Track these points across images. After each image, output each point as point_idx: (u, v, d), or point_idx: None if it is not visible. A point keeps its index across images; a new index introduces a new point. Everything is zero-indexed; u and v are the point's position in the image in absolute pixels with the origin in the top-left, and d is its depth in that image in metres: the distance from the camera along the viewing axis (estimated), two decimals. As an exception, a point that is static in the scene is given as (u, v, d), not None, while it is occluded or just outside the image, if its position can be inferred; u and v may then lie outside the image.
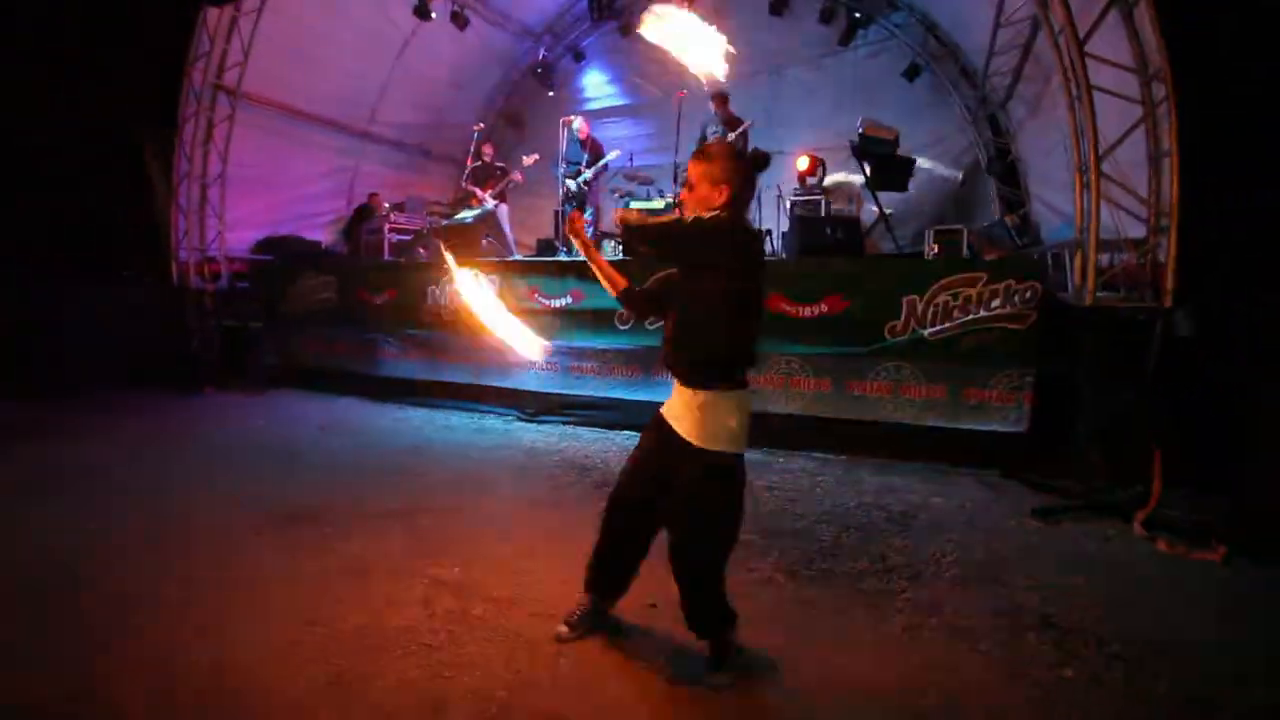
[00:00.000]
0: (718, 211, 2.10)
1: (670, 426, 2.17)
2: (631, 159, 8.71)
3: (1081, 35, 3.57)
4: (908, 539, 3.47)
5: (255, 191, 8.46)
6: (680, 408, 2.15)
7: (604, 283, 2.44)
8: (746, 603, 2.69)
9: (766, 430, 5.45)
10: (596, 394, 6.26)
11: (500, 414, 6.52)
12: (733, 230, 2.09)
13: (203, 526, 3.54)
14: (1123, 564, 3.21)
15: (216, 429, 5.93)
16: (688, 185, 2.17)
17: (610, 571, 2.45)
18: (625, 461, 2.39)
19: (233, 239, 8.30)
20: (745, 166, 2.15)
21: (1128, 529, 3.59)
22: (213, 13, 7.01)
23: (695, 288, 2.09)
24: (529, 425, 6.18)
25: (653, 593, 2.58)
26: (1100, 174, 3.64)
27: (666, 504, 2.18)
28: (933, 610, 2.71)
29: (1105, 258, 4.45)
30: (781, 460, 5.04)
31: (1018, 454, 4.54)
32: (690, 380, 2.12)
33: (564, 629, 2.46)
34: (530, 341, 2.95)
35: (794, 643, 2.45)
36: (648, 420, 2.33)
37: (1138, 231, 3.78)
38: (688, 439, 2.10)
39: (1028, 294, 4.51)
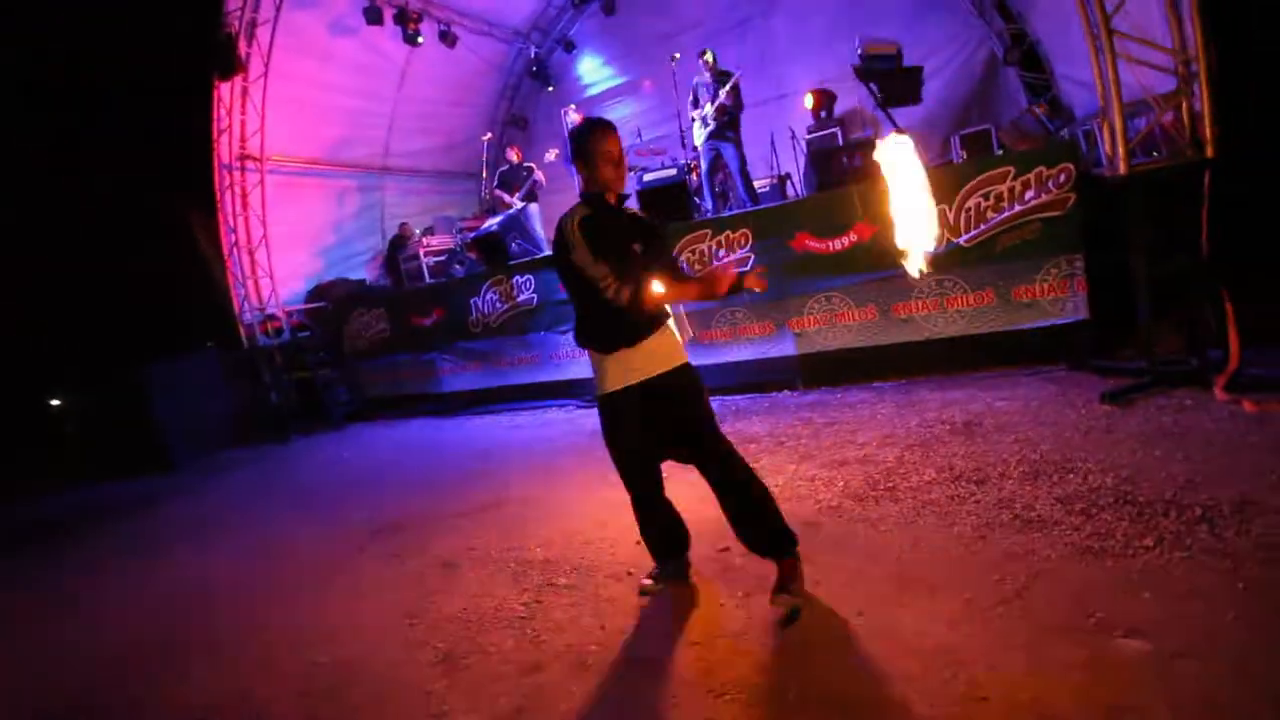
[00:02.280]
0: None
1: (653, 377, 2.33)
2: (640, 134, 8.71)
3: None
4: (973, 446, 3.43)
5: (296, 245, 8.98)
6: (662, 349, 2.36)
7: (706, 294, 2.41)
8: (813, 530, 2.78)
9: (818, 370, 5.45)
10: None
11: (560, 405, 6.74)
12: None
13: (307, 551, 3.88)
14: (1204, 431, 3.08)
15: (306, 468, 6.40)
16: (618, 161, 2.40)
17: (658, 536, 2.59)
18: (614, 451, 2.49)
19: (285, 293, 8.84)
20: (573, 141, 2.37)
21: (1208, 396, 3.43)
22: (224, 87, 7.43)
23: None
24: (589, 411, 6.36)
25: (721, 537, 2.68)
26: (1112, 31, 3.43)
27: (688, 441, 2.36)
28: (1003, 507, 2.69)
29: (1141, 123, 4.20)
30: (839, 396, 5.03)
31: (1081, 344, 4.37)
32: (655, 326, 2.37)
33: (647, 581, 2.61)
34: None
35: (864, 561, 2.50)
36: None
37: (1167, 87, 3.55)
38: (682, 362, 2.39)
39: (1061, 178, 4.32)
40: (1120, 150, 3.45)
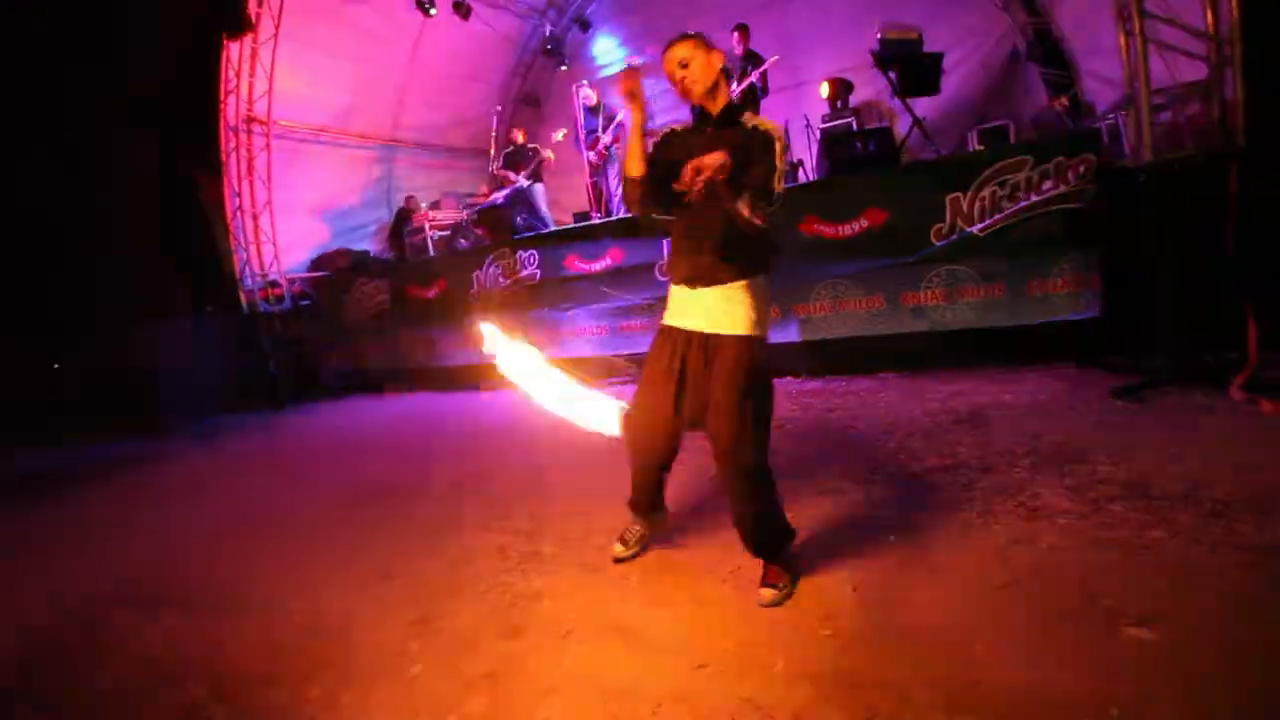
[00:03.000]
0: (723, 99, 2.12)
1: (690, 333, 2.15)
2: (654, 117, 8.58)
3: None
4: (978, 435, 3.33)
5: (302, 212, 8.89)
6: (720, 305, 2.09)
7: (631, 158, 2.13)
8: (809, 510, 2.69)
9: (822, 357, 5.34)
10: (647, 350, 6.29)
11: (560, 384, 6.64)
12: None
13: (291, 513, 3.79)
14: (1219, 431, 2.97)
15: (301, 437, 6.33)
16: (681, 64, 2.10)
17: (647, 490, 2.46)
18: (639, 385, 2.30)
19: (289, 260, 8.76)
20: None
21: (1223, 397, 3.32)
22: (234, 49, 7.33)
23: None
24: (589, 392, 6.27)
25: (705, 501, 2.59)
26: (1144, 14, 3.31)
27: (710, 407, 2.09)
28: (1008, 494, 2.60)
29: (1167, 116, 4.07)
30: (842, 385, 4.93)
31: (1092, 340, 4.26)
32: (737, 275, 2.08)
33: (619, 548, 2.53)
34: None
35: (863, 542, 2.41)
36: None
37: (1197, 74, 3.43)
38: (734, 332, 2.07)
39: (1081, 168, 4.19)
40: (1145, 136, 3.33)
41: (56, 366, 7.22)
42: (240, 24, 6.98)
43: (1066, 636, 1.71)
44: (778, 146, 2.01)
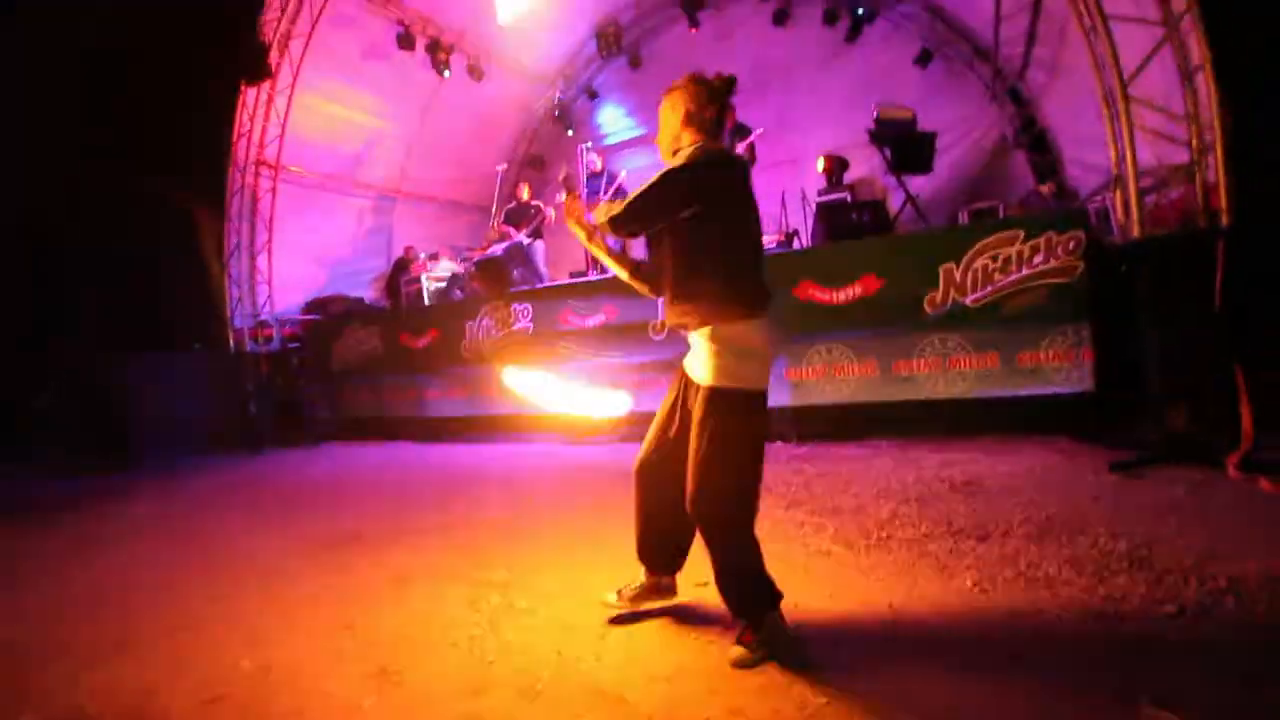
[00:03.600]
0: (685, 148, 2.07)
1: (688, 378, 2.12)
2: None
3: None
4: (973, 504, 3.23)
5: (300, 256, 8.93)
6: (694, 353, 2.09)
7: (615, 268, 2.28)
8: (799, 575, 2.56)
9: (813, 423, 5.28)
10: (638, 408, 6.20)
11: (546, 439, 6.52)
12: (702, 163, 2.00)
13: (255, 556, 3.58)
14: (1219, 507, 2.90)
15: (273, 480, 6.11)
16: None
17: (652, 541, 2.33)
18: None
19: (282, 302, 8.73)
20: (700, 85, 2.08)
21: (1220, 474, 3.27)
22: (251, 93, 7.55)
23: (684, 237, 2.01)
24: (575, 448, 6.14)
25: (705, 574, 2.45)
26: (1128, 99, 3.45)
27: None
28: (1006, 564, 2.49)
29: (1151, 200, 4.20)
30: (833, 450, 4.84)
31: (1085, 414, 4.24)
32: (700, 323, 2.03)
33: (611, 596, 2.36)
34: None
35: (854, 608, 2.28)
36: None
37: (1179, 158, 3.55)
38: (703, 381, 2.01)
39: (1071, 244, 4.28)
40: (1134, 213, 3.40)
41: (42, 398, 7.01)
42: (260, 72, 7.22)
43: (1077, 715, 1.58)
44: (660, 174, 2.00)
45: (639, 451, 2.27)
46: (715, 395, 1.97)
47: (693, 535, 2.21)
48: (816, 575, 2.58)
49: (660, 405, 2.23)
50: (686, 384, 2.12)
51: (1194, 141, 3.40)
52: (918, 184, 7.03)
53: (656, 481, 2.19)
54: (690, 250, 2.01)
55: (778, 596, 2.05)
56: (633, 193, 2.07)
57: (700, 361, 2.03)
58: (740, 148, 6.80)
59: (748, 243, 2.06)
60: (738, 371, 1.97)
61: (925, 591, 2.34)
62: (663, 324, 2.18)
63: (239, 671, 2.26)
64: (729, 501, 1.99)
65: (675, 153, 2.12)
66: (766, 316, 2.03)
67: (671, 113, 2.13)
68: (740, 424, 1.97)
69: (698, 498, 1.98)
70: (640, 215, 2.04)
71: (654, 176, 2.02)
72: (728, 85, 2.10)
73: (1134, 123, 3.52)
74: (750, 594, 2.03)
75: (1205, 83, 3.23)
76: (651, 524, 2.28)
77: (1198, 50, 3.23)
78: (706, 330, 2.00)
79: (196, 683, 2.19)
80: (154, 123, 7.56)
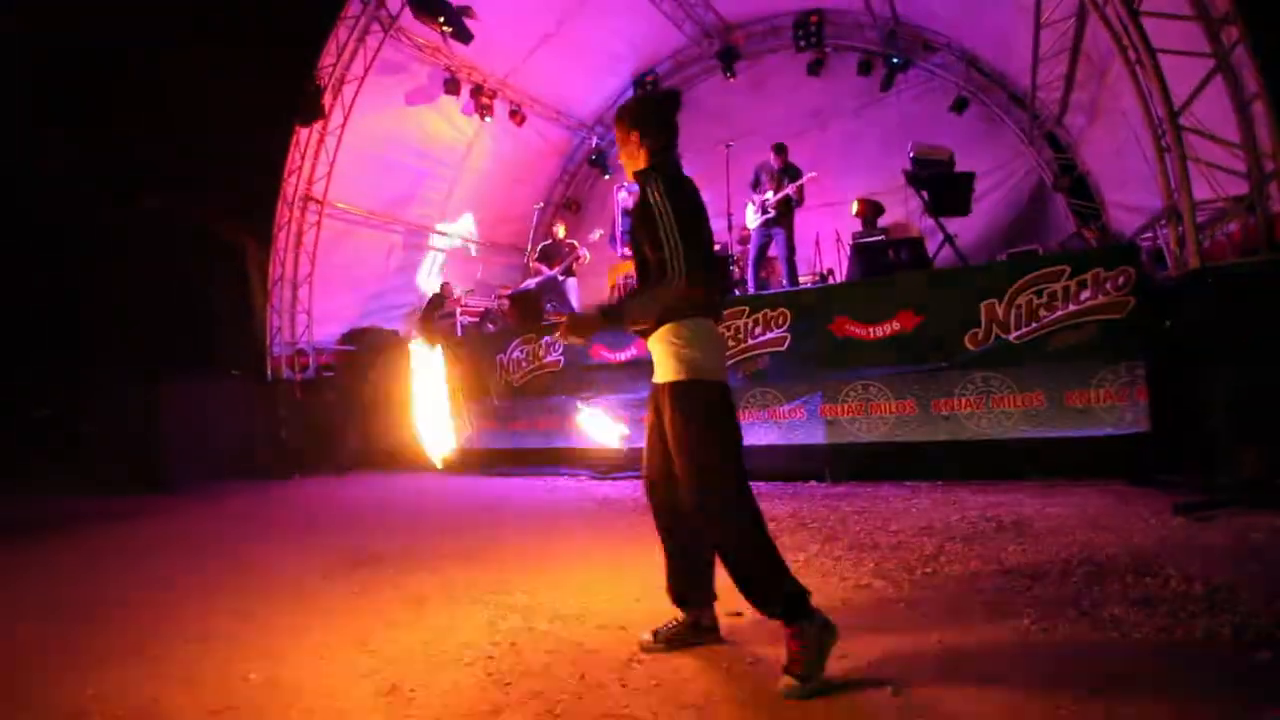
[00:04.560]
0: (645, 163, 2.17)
1: (657, 387, 2.14)
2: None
3: (1131, -2, 3.41)
4: (1025, 544, 3.02)
5: (339, 288, 9.18)
6: (656, 359, 2.11)
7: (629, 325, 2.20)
8: (836, 607, 2.40)
9: (849, 462, 5.09)
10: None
11: (573, 474, 6.42)
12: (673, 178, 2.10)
13: (273, 574, 3.53)
14: (1306, 554, 2.65)
15: (299, 504, 6.10)
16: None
17: (677, 570, 2.24)
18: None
19: (320, 332, 8.92)
20: (644, 104, 2.23)
21: (1303, 520, 3.00)
22: (303, 132, 7.91)
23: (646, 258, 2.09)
24: (603, 482, 6.02)
25: (737, 604, 2.30)
26: (1179, 128, 3.36)
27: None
28: (1068, 603, 2.28)
29: (1205, 237, 4.05)
30: (870, 490, 4.64)
31: (1141, 457, 3.99)
32: (657, 324, 2.07)
33: (648, 637, 2.21)
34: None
35: (901, 640, 2.10)
36: None
37: (1234, 190, 3.42)
38: (667, 379, 2.06)
39: (1120, 280, 4.12)
40: (1190, 244, 3.26)
41: (47, 413, 7.20)
42: (314, 113, 7.58)
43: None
44: (652, 195, 2.04)
45: (643, 471, 2.27)
46: (680, 388, 2.03)
47: (714, 549, 2.13)
48: (857, 608, 2.40)
49: (647, 429, 2.23)
50: (658, 393, 2.13)
51: (1253, 172, 3.27)
52: (954, 228, 6.94)
53: (666, 497, 2.19)
54: (654, 258, 2.06)
55: (799, 589, 1.92)
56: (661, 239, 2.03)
57: (661, 362, 2.09)
58: (790, 188, 6.86)
59: (699, 254, 2.06)
60: (697, 363, 2.02)
61: (978, 629, 2.15)
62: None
63: (247, 684, 2.17)
64: (715, 478, 1.99)
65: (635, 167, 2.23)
66: (715, 321, 2.16)
67: (623, 134, 2.23)
68: (707, 410, 2.02)
69: (689, 488, 2.01)
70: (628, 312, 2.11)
71: (660, 215, 2.02)
72: (672, 99, 2.28)
73: (1186, 153, 3.41)
74: (760, 575, 1.95)
75: (1262, 111, 3.13)
76: (672, 539, 2.23)
77: (1252, 79, 3.14)
78: (664, 330, 2.06)
79: (203, 693, 2.11)
80: (210, 154, 7.94)
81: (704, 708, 1.81)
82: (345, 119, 8.12)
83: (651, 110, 2.24)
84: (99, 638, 2.66)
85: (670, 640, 2.19)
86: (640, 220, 2.12)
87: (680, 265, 1.96)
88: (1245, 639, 1.91)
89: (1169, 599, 2.23)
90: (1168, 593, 2.29)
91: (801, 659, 1.83)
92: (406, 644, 2.39)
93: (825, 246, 8.47)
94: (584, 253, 8.79)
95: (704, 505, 2.00)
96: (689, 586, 2.23)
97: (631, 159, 2.23)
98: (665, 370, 2.07)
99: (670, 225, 2.00)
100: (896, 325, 4.95)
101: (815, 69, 9.43)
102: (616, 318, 2.07)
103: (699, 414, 2.01)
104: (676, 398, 2.03)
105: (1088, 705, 1.64)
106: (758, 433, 5.45)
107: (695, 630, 2.21)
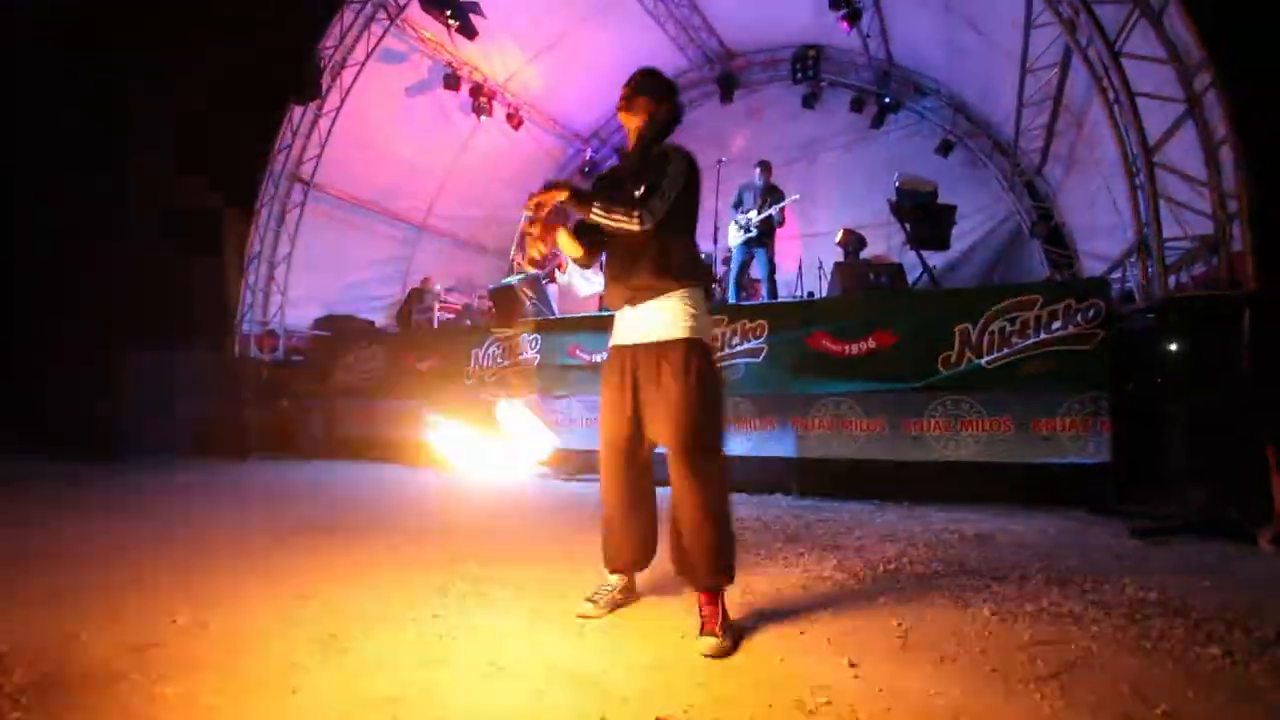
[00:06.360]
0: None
1: (635, 349, 2.12)
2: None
3: (1112, 38, 3.58)
4: (986, 551, 3.03)
5: (318, 273, 9.00)
6: (654, 318, 2.09)
7: (567, 250, 2.28)
8: (796, 592, 2.38)
9: (816, 478, 5.08)
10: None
11: (540, 475, 6.31)
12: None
13: (218, 534, 3.39)
14: (1254, 575, 2.68)
15: (253, 481, 5.88)
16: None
17: (632, 537, 2.22)
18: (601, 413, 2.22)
19: (293, 315, 8.72)
20: (671, 85, 2.25)
21: (1251, 548, 3.06)
22: (297, 111, 7.84)
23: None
24: (569, 484, 5.91)
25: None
26: (1153, 165, 3.49)
27: (663, 409, 2.04)
28: (1027, 600, 2.28)
29: (1172, 279, 4.19)
30: (836, 505, 4.62)
31: (1102, 486, 4.05)
32: (675, 285, 2.09)
33: (588, 606, 2.15)
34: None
35: (862, 621, 2.07)
36: None
37: (1202, 229, 3.55)
38: (679, 336, 2.05)
39: (1090, 312, 4.22)
40: (1160, 277, 3.36)
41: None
42: (311, 91, 7.52)
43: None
44: (671, 169, 2.06)
45: (602, 436, 2.20)
46: (696, 345, 2.06)
47: (655, 523, 2.24)
48: (817, 594, 2.37)
49: (606, 393, 2.19)
50: (635, 355, 2.11)
51: (1218, 212, 3.40)
52: (935, 261, 7.10)
53: (614, 456, 2.17)
54: (669, 224, 2.06)
55: (733, 572, 2.04)
56: (645, 190, 2.05)
57: (670, 320, 2.08)
58: (773, 210, 6.96)
59: (681, 230, 2.15)
60: (706, 328, 2.12)
61: (938, 617, 2.13)
62: (619, 295, 2.15)
63: (174, 626, 2.05)
64: (715, 437, 2.07)
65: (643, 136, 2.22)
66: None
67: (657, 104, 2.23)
68: (715, 370, 2.12)
69: (693, 437, 1.99)
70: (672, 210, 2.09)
71: (671, 176, 2.05)
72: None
73: (1160, 192, 3.54)
74: (724, 550, 2.00)
75: (1229, 154, 3.27)
76: (621, 512, 2.20)
77: (1221, 124, 3.30)
78: (681, 292, 2.09)
79: (125, 632, 1.98)
80: (200, 124, 7.82)
81: (655, 668, 1.76)
82: (341, 102, 8.07)
83: (675, 93, 2.26)
84: (17, 585, 2.49)
85: (611, 604, 2.19)
86: (640, 166, 2.13)
87: (651, 217, 2.00)
88: (1198, 638, 1.91)
89: (1125, 603, 2.24)
90: (1124, 598, 2.30)
91: (719, 626, 1.88)
92: (351, 601, 2.28)
93: (808, 273, 8.59)
94: (566, 259, 8.78)
95: (702, 464, 1.99)
96: (642, 554, 2.25)
97: (636, 118, 2.21)
98: (674, 328, 2.06)
99: (671, 192, 2.04)
100: (872, 343, 4.99)
101: (810, 102, 9.67)
102: (586, 199, 2.04)
103: (709, 374, 2.05)
104: (694, 353, 2.03)
105: (1045, 685, 1.63)
106: (728, 443, 5.41)
107: (631, 591, 2.28)
